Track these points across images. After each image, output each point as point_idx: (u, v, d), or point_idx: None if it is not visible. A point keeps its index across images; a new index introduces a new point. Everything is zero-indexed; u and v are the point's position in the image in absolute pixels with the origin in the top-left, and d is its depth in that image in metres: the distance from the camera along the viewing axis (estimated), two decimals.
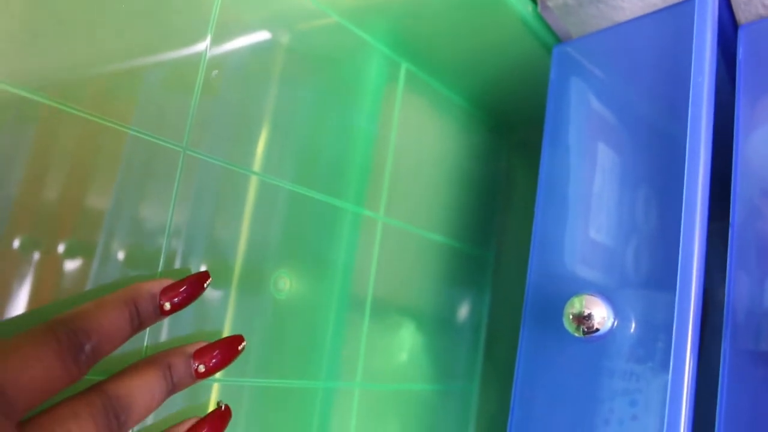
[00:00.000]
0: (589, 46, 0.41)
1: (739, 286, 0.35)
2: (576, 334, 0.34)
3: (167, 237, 0.31)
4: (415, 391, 0.46)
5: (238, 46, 0.34)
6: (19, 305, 0.26)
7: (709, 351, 0.37)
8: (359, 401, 0.41)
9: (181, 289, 0.30)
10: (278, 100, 0.37)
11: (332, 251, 0.40)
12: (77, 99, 0.28)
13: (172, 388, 0.29)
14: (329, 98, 0.40)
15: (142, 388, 0.27)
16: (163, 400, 0.29)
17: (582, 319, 0.34)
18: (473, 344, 0.53)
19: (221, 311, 0.33)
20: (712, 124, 0.35)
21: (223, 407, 0.32)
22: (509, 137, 0.58)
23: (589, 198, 0.38)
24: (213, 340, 0.32)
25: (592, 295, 0.34)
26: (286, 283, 0.37)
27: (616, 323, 0.34)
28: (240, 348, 0.32)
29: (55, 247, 0.27)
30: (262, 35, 0.36)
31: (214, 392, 0.33)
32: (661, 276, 0.34)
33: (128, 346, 0.29)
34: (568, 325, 0.34)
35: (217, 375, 0.33)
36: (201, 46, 0.32)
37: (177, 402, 0.31)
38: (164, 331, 0.31)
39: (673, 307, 0.33)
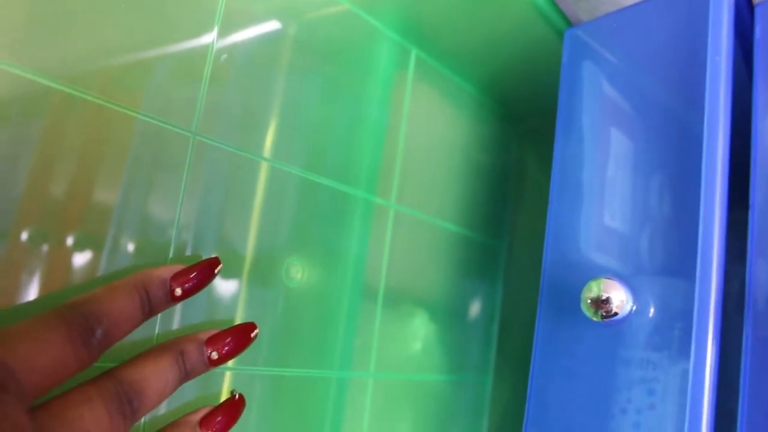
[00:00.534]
0: (602, 29, 0.41)
1: (759, 273, 0.34)
2: (594, 319, 0.33)
3: (177, 225, 0.31)
4: (428, 381, 0.46)
5: (247, 34, 0.34)
6: (29, 295, 0.26)
7: (724, 340, 0.36)
8: (373, 391, 0.41)
9: (191, 275, 0.29)
10: (287, 87, 0.36)
11: (344, 239, 0.39)
12: (88, 85, 0.27)
13: (185, 375, 0.29)
14: (339, 85, 0.40)
15: (155, 374, 0.27)
16: (176, 387, 0.28)
17: (600, 303, 0.33)
18: (486, 334, 0.52)
19: (233, 299, 0.33)
20: (730, 106, 0.34)
21: (237, 396, 0.32)
22: (520, 125, 0.58)
23: (604, 184, 0.38)
24: (226, 328, 0.31)
25: (609, 278, 0.33)
26: (297, 272, 0.36)
27: (635, 308, 0.34)
28: (252, 335, 0.31)
29: (64, 238, 0.27)
30: (272, 23, 0.35)
31: (226, 381, 0.32)
32: (678, 263, 0.34)
33: (139, 334, 0.29)
34: (586, 309, 0.34)
35: (230, 363, 0.32)
36: (210, 33, 0.32)
37: (190, 390, 0.31)
38: (176, 318, 0.30)
39: (692, 294, 0.33)
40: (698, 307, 0.32)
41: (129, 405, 0.25)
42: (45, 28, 0.26)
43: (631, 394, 0.34)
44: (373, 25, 0.41)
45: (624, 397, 0.34)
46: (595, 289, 0.33)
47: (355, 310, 0.40)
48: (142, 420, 0.29)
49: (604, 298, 0.33)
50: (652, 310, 0.33)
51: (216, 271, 0.30)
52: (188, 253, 0.31)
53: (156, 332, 0.30)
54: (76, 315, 0.24)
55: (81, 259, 0.27)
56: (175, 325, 0.30)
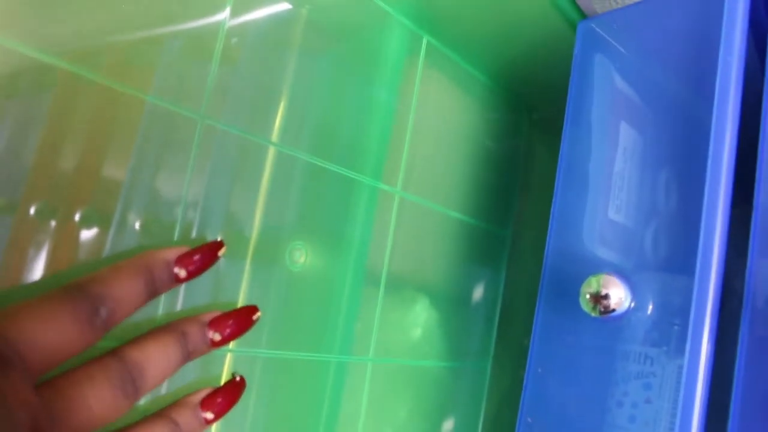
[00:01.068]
0: (615, 22, 0.40)
1: (760, 272, 0.34)
2: (592, 314, 0.34)
3: (183, 206, 0.31)
4: (427, 367, 0.46)
5: (258, 16, 0.34)
6: (36, 270, 0.26)
7: (723, 338, 0.37)
8: (372, 376, 0.41)
9: (195, 257, 0.30)
10: (297, 70, 0.36)
11: (348, 224, 0.40)
12: (96, 65, 0.28)
13: (187, 356, 0.29)
14: (349, 70, 0.40)
15: (157, 354, 0.27)
16: (179, 367, 0.29)
17: (599, 298, 0.33)
18: (487, 322, 0.53)
19: (236, 282, 0.33)
20: (739, 105, 0.34)
21: (237, 378, 0.32)
22: (530, 115, 0.57)
23: (610, 178, 0.38)
24: (228, 310, 0.32)
25: (609, 274, 0.34)
26: (301, 256, 0.37)
27: (633, 304, 0.34)
28: (254, 318, 0.32)
29: (71, 215, 0.27)
30: (282, 5, 0.35)
31: (227, 362, 0.33)
32: (681, 260, 0.34)
33: (142, 314, 0.29)
34: (585, 304, 0.34)
35: (231, 345, 0.33)
36: (221, 15, 0.32)
37: (191, 371, 0.31)
38: (179, 299, 0.31)
39: (691, 291, 0.33)
40: (695, 304, 0.32)
41: (132, 384, 0.26)
42: (54, 7, 0.26)
43: (627, 387, 0.34)
44: (384, 9, 0.41)
45: (621, 390, 0.35)
46: (594, 284, 0.33)
47: (356, 295, 0.40)
48: (142, 400, 0.29)
49: (603, 294, 0.33)
50: (650, 307, 0.34)
51: (220, 254, 0.31)
52: (194, 234, 0.32)
53: (159, 312, 0.30)
54: (82, 295, 0.25)
55: (88, 235, 0.28)
56: (179, 305, 0.31)
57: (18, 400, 0.22)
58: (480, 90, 0.51)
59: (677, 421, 0.32)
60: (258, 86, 0.34)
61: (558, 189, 0.40)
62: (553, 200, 0.40)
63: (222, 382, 0.32)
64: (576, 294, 0.36)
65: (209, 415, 0.30)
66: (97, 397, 0.25)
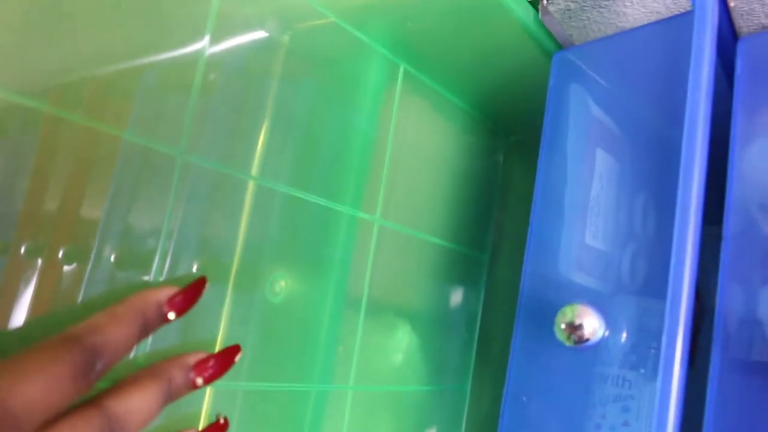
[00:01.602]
0: (589, 54, 0.41)
1: (730, 296, 0.35)
2: (567, 344, 0.34)
3: (162, 242, 0.31)
4: (407, 392, 0.47)
5: (236, 45, 0.34)
6: (25, 310, 0.26)
7: (707, 359, 0.37)
8: (352, 403, 0.42)
9: (184, 296, 0.30)
10: (276, 101, 0.37)
11: (328, 254, 0.40)
12: (75, 105, 0.28)
13: (169, 400, 0.29)
14: (328, 99, 0.40)
15: (141, 403, 0.27)
16: (160, 412, 0.29)
17: (573, 328, 0.34)
18: (466, 345, 0.53)
19: (217, 315, 0.34)
20: (708, 131, 0.35)
21: (222, 420, 0.32)
22: (507, 138, 0.58)
23: (586, 204, 0.39)
24: (211, 351, 0.32)
25: (583, 305, 0.34)
26: (282, 287, 0.37)
27: (606, 333, 0.35)
28: (237, 359, 0.32)
29: (55, 255, 0.27)
30: (260, 35, 0.36)
31: (207, 396, 0.33)
32: (655, 283, 0.35)
33: None
34: (560, 334, 0.35)
35: None
36: (198, 45, 0.32)
37: (170, 406, 0.31)
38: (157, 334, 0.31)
39: (662, 316, 0.33)
40: (667, 327, 0.33)
41: None
42: (31, 47, 0.27)
43: (606, 410, 0.35)
44: (362, 39, 0.42)
45: (599, 412, 0.35)
46: (569, 314, 0.34)
47: (337, 325, 0.41)
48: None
49: (577, 324, 0.34)
50: (624, 335, 0.34)
51: (203, 290, 0.31)
52: (174, 271, 0.32)
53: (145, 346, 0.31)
54: (80, 350, 0.25)
55: (70, 274, 0.28)
56: (155, 339, 0.31)
57: None
58: (457, 115, 0.52)
59: None
60: (237, 117, 0.35)
61: (534, 216, 0.41)
62: (530, 227, 0.41)
63: (201, 420, 0.32)
64: (552, 320, 0.36)
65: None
66: None
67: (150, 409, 0.28)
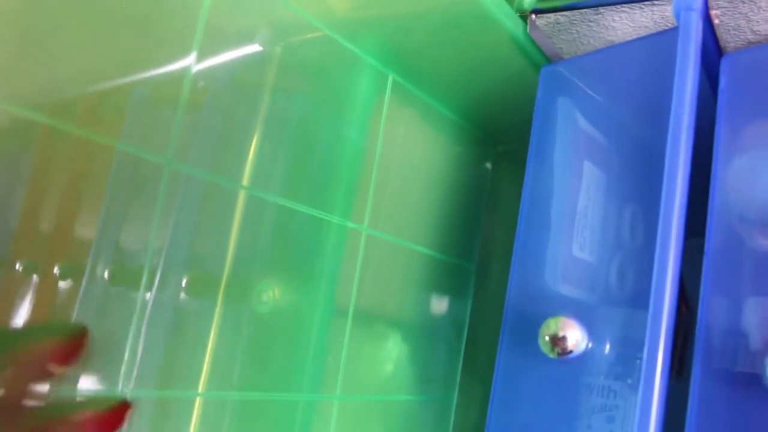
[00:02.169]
0: (576, 68, 0.42)
1: (713, 308, 0.36)
2: (550, 355, 0.35)
3: (152, 252, 0.32)
4: (394, 402, 0.47)
5: (225, 59, 0.35)
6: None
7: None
8: (339, 413, 0.42)
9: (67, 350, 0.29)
10: (267, 112, 0.37)
11: (317, 264, 0.40)
12: (69, 117, 0.28)
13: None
14: (318, 110, 0.41)
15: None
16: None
17: (557, 340, 0.34)
18: (453, 355, 0.54)
19: (206, 324, 0.34)
20: (690, 153, 0.35)
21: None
22: (495, 147, 0.59)
23: (572, 217, 0.39)
24: (201, 361, 0.32)
25: (567, 317, 0.35)
26: (270, 297, 0.37)
27: (590, 345, 0.35)
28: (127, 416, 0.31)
29: (51, 269, 0.28)
30: (249, 48, 0.36)
31: (197, 405, 0.34)
32: (640, 294, 0.35)
33: None
34: (543, 345, 0.35)
35: (199, 389, 0.34)
36: (187, 60, 0.33)
37: (155, 418, 0.32)
38: (140, 347, 0.32)
39: (644, 327, 0.34)
40: (649, 338, 0.33)
41: None
42: (28, 60, 0.27)
43: (591, 420, 0.35)
44: (352, 51, 0.42)
45: (584, 423, 0.36)
46: (552, 326, 0.35)
47: (324, 334, 0.41)
48: None
49: (560, 336, 0.34)
50: (607, 347, 0.35)
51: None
52: (165, 280, 0.32)
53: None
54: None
55: (64, 287, 0.28)
56: (144, 351, 0.32)
57: None
58: (446, 125, 0.52)
59: None
60: (226, 129, 0.35)
61: (520, 228, 0.41)
62: (516, 239, 0.41)
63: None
64: (537, 334, 0.37)
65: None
66: None
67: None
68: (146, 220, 0.31)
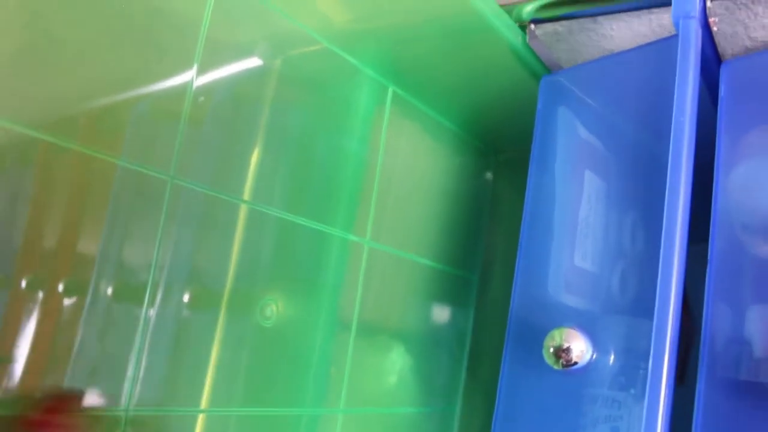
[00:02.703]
0: (576, 77, 0.42)
1: (717, 316, 0.36)
2: (555, 367, 0.35)
3: (153, 268, 0.31)
4: (398, 414, 0.47)
5: (226, 73, 0.35)
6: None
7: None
8: (342, 427, 0.42)
9: None
10: (266, 126, 0.37)
11: (320, 278, 0.40)
12: (71, 133, 0.28)
13: None
14: (319, 123, 0.41)
15: None
16: None
17: (561, 352, 0.34)
18: (456, 366, 0.53)
19: (209, 340, 0.34)
20: (692, 159, 0.35)
21: None
22: (496, 157, 0.59)
23: (575, 226, 0.39)
24: (202, 376, 0.32)
25: (572, 328, 0.35)
26: (272, 312, 0.37)
27: (594, 356, 0.35)
28: None
29: (56, 286, 0.28)
30: (249, 62, 0.36)
31: (200, 421, 0.33)
32: (643, 304, 0.35)
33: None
34: (548, 357, 0.35)
35: (203, 405, 0.34)
36: (188, 75, 0.33)
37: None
38: (143, 361, 0.31)
39: (649, 337, 0.34)
40: (654, 348, 0.33)
41: None
42: (29, 78, 0.27)
43: (596, 431, 0.35)
44: (352, 63, 0.42)
45: None
46: (557, 338, 0.35)
47: (327, 348, 0.41)
48: None
49: (565, 347, 0.34)
50: (612, 357, 0.35)
51: None
52: (168, 294, 0.32)
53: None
54: None
55: (69, 302, 0.28)
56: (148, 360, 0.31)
57: None
58: (446, 135, 0.52)
59: None
60: (228, 143, 0.35)
61: (523, 240, 0.41)
62: (518, 252, 0.41)
63: None
64: (542, 342, 0.37)
65: None
66: None
67: None
68: (149, 236, 0.31)
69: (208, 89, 0.33)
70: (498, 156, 0.59)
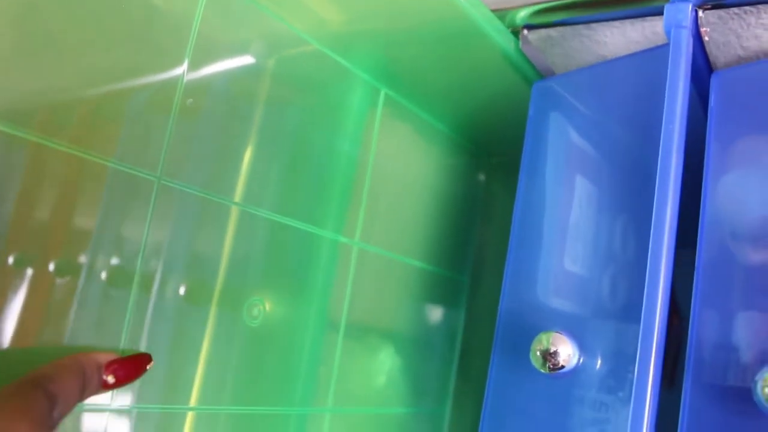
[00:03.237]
0: (568, 84, 0.42)
1: (703, 322, 0.36)
2: (542, 370, 0.35)
3: (149, 267, 0.32)
4: (386, 414, 0.47)
5: (217, 72, 0.35)
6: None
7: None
8: (330, 426, 0.42)
9: (121, 365, 0.30)
10: (258, 127, 0.37)
11: (309, 279, 0.41)
12: (59, 133, 0.28)
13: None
14: (310, 125, 0.41)
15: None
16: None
17: (548, 355, 0.35)
18: (446, 368, 0.54)
19: (198, 340, 0.34)
20: (681, 167, 0.35)
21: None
22: (488, 160, 0.59)
23: (564, 231, 0.39)
24: (192, 375, 0.33)
25: (559, 332, 0.35)
26: (261, 311, 0.38)
27: (581, 360, 0.35)
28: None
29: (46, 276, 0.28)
30: (243, 61, 0.36)
31: (189, 419, 0.34)
32: (631, 308, 0.35)
33: None
34: (535, 360, 0.35)
35: (192, 402, 0.34)
36: (178, 71, 0.33)
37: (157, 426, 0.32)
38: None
39: (636, 341, 0.34)
40: (640, 352, 0.33)
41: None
42: (15, 78, 0.27)
43: None
44: (344, 65, 0.43)
45: None
46: (544, 341, 0.35)
47: (316, 348, 0.41)
48: None
49: (552, 351, 0.34)
50: (599, 362, 0.35)
51: (148, 367, 0.32)
52: (162, 294, 0.32)
53: None
54: (39, 397, 0.25)
55: (61, 288, 0.28)
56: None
57: None
58: (438, 138, 0.53)
59: None
60: (218, 143, 0.35)
61: (512, 244, 0.41)
62: (508, 254, 0.41)
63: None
64: (529, 348, 0.37)
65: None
66: None
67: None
68: (137, 236, 0.31)
69: (197, 90, 0.34)
70: (491, 159, 0.59)
